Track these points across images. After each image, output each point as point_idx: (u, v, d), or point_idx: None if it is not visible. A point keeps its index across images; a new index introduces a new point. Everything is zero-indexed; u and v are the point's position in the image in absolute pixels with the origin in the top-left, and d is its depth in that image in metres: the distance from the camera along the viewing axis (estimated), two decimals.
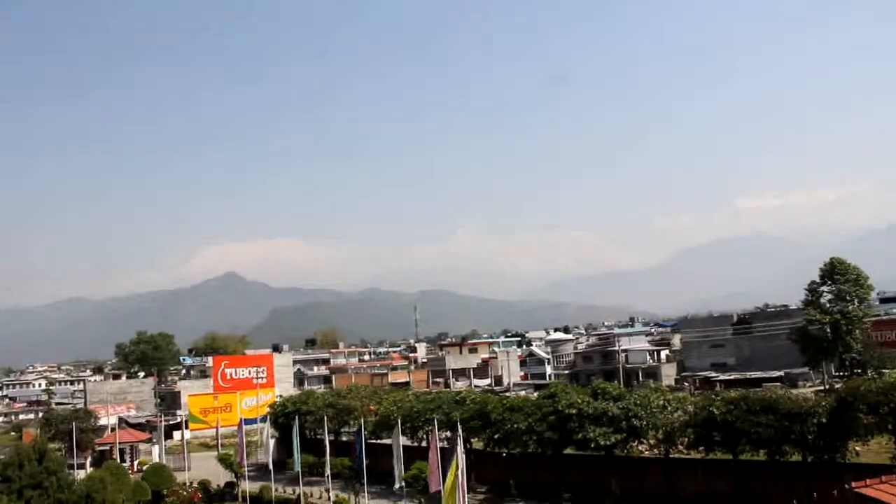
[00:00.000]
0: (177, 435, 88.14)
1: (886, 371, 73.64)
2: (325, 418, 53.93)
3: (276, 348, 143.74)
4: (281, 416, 64.19)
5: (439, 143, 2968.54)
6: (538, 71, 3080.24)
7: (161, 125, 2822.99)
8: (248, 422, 64.89)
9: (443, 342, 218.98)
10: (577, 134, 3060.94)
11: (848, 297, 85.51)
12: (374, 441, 54.43)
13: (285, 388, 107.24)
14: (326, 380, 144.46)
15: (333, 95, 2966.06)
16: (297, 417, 56.55)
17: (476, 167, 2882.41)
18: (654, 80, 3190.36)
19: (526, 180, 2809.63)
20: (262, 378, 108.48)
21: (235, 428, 59.12)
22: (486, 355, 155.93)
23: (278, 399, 76.84)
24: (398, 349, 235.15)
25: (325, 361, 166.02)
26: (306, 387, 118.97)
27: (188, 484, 55.83)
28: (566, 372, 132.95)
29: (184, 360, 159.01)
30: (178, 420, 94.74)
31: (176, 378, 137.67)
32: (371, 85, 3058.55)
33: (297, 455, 50.88)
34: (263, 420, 58.35)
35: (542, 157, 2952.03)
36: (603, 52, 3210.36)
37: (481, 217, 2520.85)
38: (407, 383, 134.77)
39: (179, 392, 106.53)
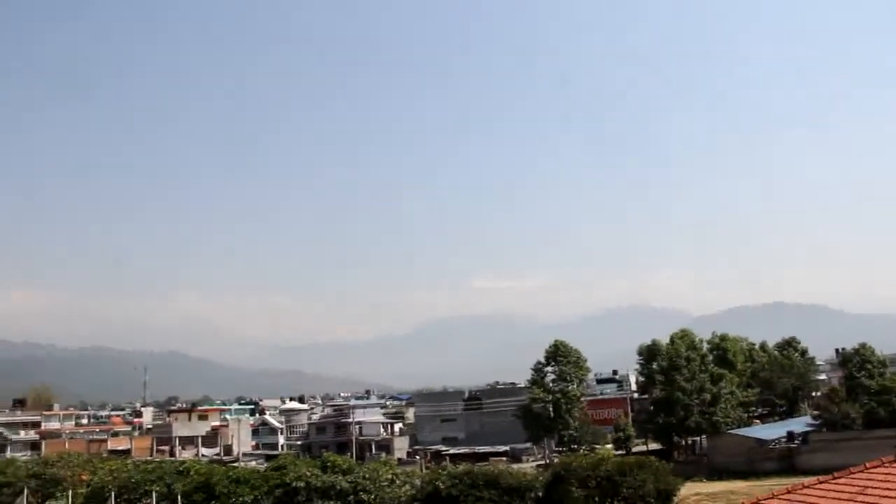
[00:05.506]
0: None
1: (598, 447, 80.00)
2: (26, 491, 48.80)
3: None
4: None
5: (177, 201, 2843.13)
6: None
7: None
8: None
9: (172, 407, 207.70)
10: (323, 206, 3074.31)
11: (568, 378, 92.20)
12: None
13: None
14: (35, 446, 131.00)
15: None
16: None
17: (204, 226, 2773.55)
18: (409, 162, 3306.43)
19: (262, 245, 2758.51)
20: None
21: None
22: (217, 423, 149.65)
23: None
24: (122, 413, 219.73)
25: (36, 425, 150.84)
26: (9, 454, 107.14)
27: None
28: (299, 443, 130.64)
29: None
30: None
31: None
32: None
33: None
34: None
35: (280, 223, 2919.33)
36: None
37: (215, 276, 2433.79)
38: (128, 451, 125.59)
39: None
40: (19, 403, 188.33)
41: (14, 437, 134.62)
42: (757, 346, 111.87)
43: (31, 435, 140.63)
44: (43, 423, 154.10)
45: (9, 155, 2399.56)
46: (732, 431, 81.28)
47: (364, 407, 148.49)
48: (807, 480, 19.27)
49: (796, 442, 76.71)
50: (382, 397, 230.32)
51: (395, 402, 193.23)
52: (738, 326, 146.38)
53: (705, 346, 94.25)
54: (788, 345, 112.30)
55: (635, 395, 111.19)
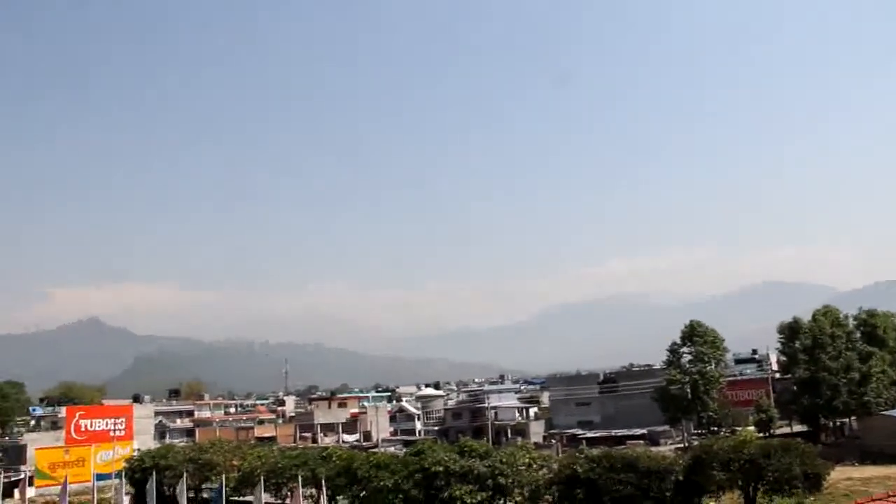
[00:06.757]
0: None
1: (739, 429, 77.63)
2: (185, 474, 51.91)
3: (137, 399, 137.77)
4: (138, 472, 61.27)
5: (308, 200, 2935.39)
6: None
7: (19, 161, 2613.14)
8: (103, 477, 61.67)
9: (312, 396, 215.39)
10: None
11: (706, 359, 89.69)
12: (236, 498, 52.74)
13: (145, 441, 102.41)
14: (190, 433, 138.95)
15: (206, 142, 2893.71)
16: (154, 473, 54.18)
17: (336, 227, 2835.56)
18: (532, 143, 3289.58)
19: (384, 240, 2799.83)
20: (120, 430, 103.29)
21: (87, 484, 56.04)
22: (356, 410, 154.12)
23: (136, 453, 73.33)
24: (266, 402, 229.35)
25: (189, 413, 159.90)
26: (168, 440, 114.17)
27: None
28: (436, 428, 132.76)
29: (34, 410, 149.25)
30: (22, 476, 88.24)
31: (23, 430, 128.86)
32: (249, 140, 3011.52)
33: None
34: (119, 475, 55.65)
35: (412, 220, 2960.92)
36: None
37: (342, 272, 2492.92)
38: (273, 438, 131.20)
39: (26, 445, 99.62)
40: (174, 394, 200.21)
41: (172, 425, 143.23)
42: None
43: (187, 423, 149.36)
44: (195, 412, 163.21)
45: (159, 174, 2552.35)
46: (886, 412, 77.09)
47: (499, 392, 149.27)
48: None
49: None
50: (516, 382, 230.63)
51: (529, 387, 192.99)
52: (888, 301, 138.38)
53: (851, 322, 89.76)
54: None
55: (777, 376, 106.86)
